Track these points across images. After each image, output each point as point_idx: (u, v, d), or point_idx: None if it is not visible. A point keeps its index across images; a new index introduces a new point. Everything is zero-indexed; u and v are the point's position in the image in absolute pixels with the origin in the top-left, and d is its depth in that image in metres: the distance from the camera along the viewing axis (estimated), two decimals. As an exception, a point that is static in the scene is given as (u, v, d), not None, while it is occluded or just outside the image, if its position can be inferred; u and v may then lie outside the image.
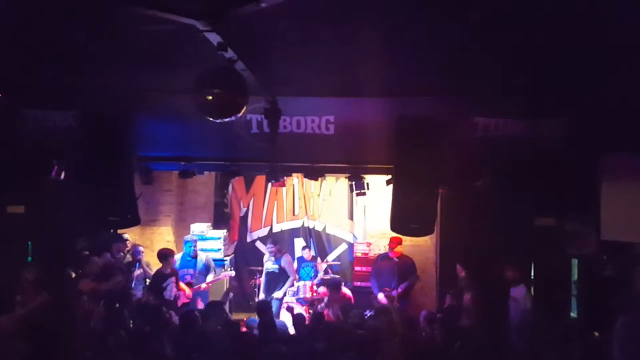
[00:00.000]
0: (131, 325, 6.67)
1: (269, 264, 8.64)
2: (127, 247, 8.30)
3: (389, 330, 5.52)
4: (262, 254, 9.59)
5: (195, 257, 8.19)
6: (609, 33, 4.34)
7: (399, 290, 7.83)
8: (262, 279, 8.70)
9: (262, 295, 8.59)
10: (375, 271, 8.30)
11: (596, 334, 5.91)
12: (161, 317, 6.09)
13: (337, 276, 8.86)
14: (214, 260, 8.61)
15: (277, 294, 8.43)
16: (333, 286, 8.10)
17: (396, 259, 8.10)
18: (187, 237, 8.54)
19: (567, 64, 5.06)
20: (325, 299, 8.17)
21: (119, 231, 8.43)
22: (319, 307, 8.12)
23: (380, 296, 7.84)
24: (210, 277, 8.13)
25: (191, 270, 8.13)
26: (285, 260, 8.63)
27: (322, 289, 8.39)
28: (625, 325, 5.16)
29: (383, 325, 5.75)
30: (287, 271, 8.59)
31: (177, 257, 8.20)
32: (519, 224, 7.00)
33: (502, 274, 6.55)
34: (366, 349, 5.09)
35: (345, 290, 8.32)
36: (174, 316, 6.72)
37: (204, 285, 7.97)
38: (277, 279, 8.60)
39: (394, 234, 7.60)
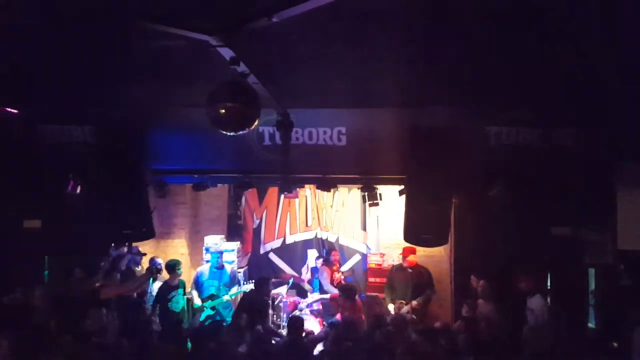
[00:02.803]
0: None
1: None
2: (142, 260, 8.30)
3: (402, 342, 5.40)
4: (276, 266, 9.65)
5: (220, 267, 8.12)
6: (623, 43, 4.33)
7: (414, 303, 7.54)
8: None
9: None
10: (389, 283, 8.16)
11: (615, 344, 5.82)
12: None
13: (352, 282, 8.65)
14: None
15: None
16: (348, 293, 7.34)
17: (410, 270, 7.91)
18: (212, 249, 8.49)
19: (580, 72, 5.04)
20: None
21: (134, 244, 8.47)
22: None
23: (391, 307, 7.64)
24: (233, 290, 8.04)
25: (216, 282, 8.07)
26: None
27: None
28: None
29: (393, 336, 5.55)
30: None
31: (204, 269, 8.11)
32: (534, 234, 6.94)
33: (517, 285, 6.47)
34: None
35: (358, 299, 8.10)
36: None
37: (226, 297, 7.89)
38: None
39: (408, 245, 7.53)
